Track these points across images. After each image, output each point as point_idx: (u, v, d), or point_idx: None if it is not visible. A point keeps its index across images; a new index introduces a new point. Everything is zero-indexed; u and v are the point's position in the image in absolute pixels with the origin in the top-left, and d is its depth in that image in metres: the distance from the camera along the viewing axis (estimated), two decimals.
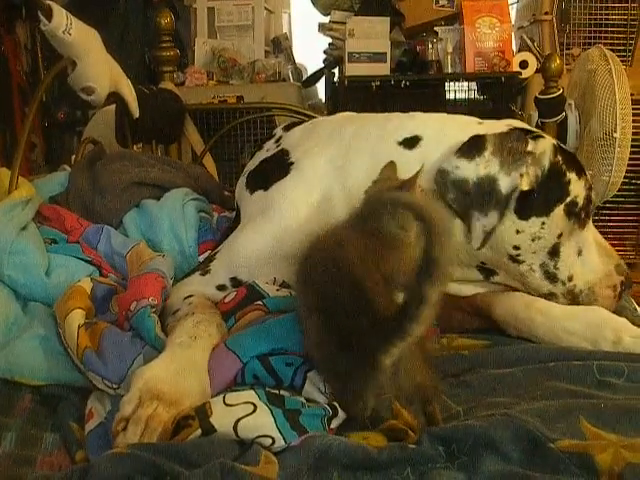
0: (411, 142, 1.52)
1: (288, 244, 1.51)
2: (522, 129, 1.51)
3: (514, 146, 1.42)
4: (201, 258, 1.80)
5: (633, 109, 3.70)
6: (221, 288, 1.58)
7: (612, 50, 3.49)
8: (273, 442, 1.06)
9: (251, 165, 1.80)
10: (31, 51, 4.66)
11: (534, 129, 1.54)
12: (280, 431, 1.07)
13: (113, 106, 2.55)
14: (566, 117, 2.93)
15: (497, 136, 1.44)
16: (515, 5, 4.79)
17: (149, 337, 1.34)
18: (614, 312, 1.50)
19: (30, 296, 1.57)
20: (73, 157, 2.82)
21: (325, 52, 4.41)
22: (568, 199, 1.48)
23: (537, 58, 3.85)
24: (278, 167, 1.64)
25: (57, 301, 1.45)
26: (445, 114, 1.62)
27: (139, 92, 2.50)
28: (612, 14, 4.23)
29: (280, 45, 4.50)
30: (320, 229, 1.22)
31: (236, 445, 1.05)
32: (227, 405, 1.10)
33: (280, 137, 1.80)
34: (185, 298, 1.51)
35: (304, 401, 1.16)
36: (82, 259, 1.68)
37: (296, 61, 4.53)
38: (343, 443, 1.03)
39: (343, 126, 1.66)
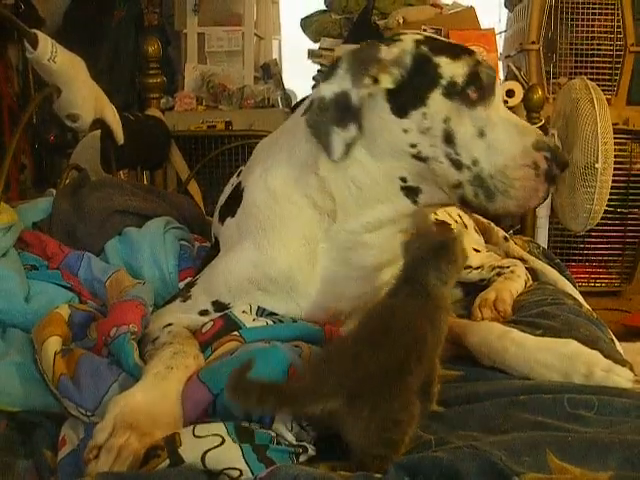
0: (308, 108, 1.55)
1: (265, 265, 1.55)
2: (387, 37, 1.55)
3: (365, 57, 1.45)
4: (181, 285, 1.82)
5: (618, 138, 3.75)
6: (204, 313, 1.59)
7: (598, 80, 3.55)
8: (241, 474, 1.07)
9: (221, 200, 1.83)
10: (22, 73, 4.68)
11: (407, 32, 1.56)
12: (248, 463, 1.07)
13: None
14: None
15: (351, 52, 1.47)
16: (503, 34, 4.84)
17: (127, 364, 1.36)
18: (587, 343, 1.50)
19: (9, 322, 1.58)
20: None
21: (314, 78, 4.45)
22: (443, 82, 1.45)
23: (523, 87, 3.88)
24: (238, 196, 1.67)
25: (35, 327, 1.46)
26: None
27: (124, 119, 2.53)
28: (598, 44, 4.28)
29: (270, 71, 4.54)
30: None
31: (204, 476, 1.06)
32: (196, 437, 1.11)
33: (240, 170, 1.83)
34: (165, 326, 1.52)
35: (274, 435, 1.16)
36: (62, 285, 1.69)
37: (286, 87, 4.56)
38: (310, 474, 1.04)
39: (270, 136, 1.75)
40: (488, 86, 1.47)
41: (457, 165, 1.45)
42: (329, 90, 1.44)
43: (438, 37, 1.55)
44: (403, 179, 1.49)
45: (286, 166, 1.57)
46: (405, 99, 1.45)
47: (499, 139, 1.45)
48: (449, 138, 1.44)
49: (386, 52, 1.45)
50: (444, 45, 1.51)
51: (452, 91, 1.44)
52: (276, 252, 1.55)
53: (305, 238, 1.55)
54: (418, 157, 1.46)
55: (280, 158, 1.59)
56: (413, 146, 1.45)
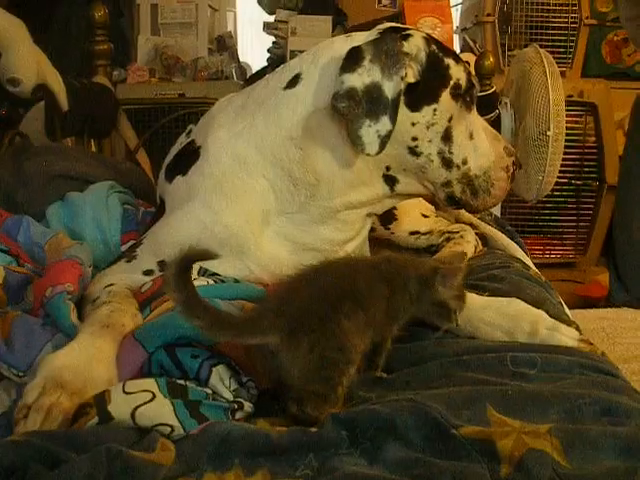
0: (293, 82, 1.55)
1: (216, 227, 1.52)
2: (391, 29, 1.55)
3: (390, 49, 1.45)
4: (124, 248, 1.78)
5: (573, 110, 3.77)
6: (148, 273, 1.55)
7: (553, 52, 3.55)
8: (172, 430, 1.04)
9: (167, 159, 1.79)
10: None
11: (402, 26, 1.59)
12: (179, 419, 1.05)
13: None
14: (500, 115, 2.96)
15: (372, 43, 1.47)
16: (459, 7, 4.84)
17: (63, 324, 1.32)
18: (534, 304, 1.50)
19: None
20: None
21: (269, 51, 4.41)
22: (452, 82, 1.53)
23: None
24: (190, 154, 1.64)
25: None
26: (320, 44, 1.64)
27: (70, 85, 2.47)
28: (553, 17, 4.30)
29: (224, 43, 4.48)
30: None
31: (135, 433, 1.03)
32: (126, 393, 1.08)
33: (190, 130, 1.82)
34: (106, 287, 1.49)
35: (210, 393, 1.14)
36: None
37: (241, 60, 4.51)
38: (243, 429, 1.02)
39: (231, 100, 1.71)
40: (475, 94, 1.61)
41: (447, 164, 1.55)
42: (359, 81, 1.42)
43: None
44: (388, 167, 1.55)
45: (261, 136, 1.55)
46: (420, 94, 1.50)
47: (483, 143, 1.60)
48: (448, 137, 1.54)
49: (407, 47, 1.47)
50: (446, 47, 1.59)
51: (457, 93, 1.54)
52: (231, 217, 1.53)
53: (267, 207, 1.55)
54: (413, 151, 1.53)
55: (255, 126, 1.56)
56: (414, 139, 1.52)
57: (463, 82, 1.55)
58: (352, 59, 1.44)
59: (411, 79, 1.47)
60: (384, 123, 1.43)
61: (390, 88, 1.43)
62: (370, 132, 1.43)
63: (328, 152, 1.51)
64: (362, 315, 1.17)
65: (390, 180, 1.57)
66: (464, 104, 1.56)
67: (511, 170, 1.64)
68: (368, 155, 1.45)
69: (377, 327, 1.23)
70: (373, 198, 1.59)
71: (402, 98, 1.47)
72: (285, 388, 1.14)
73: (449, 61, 1.54)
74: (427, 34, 1.57)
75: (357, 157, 1.50)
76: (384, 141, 1.44)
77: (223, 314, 1.14)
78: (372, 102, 1.42)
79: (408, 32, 1.53)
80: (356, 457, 1.01)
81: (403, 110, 1.48)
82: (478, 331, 1.44)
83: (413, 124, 1.50)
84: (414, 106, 1.50)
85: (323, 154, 1.51)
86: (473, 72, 1.50)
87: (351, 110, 1.42)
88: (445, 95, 1.52)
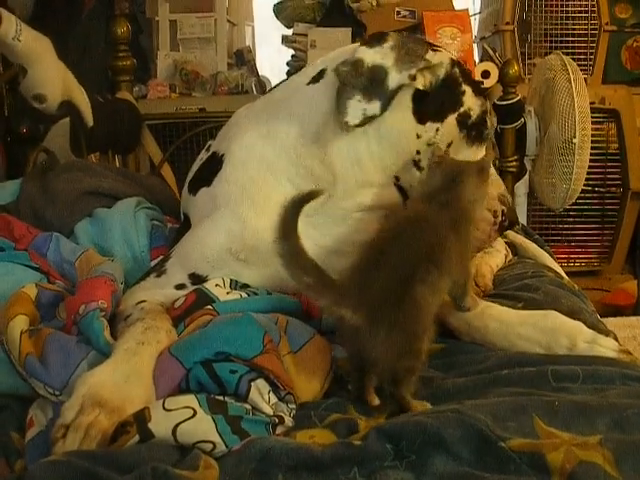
0: (318, 77, 1.55)
1: (245, 232, 1.52)
2: (429, 43, 1.57)
3: (413, 48, 1.46)
4: (153, 264, 1.77)
5: (595, 117, 3.74)
6: (180, 287, 1.54)
7: (573, 60, 3.51)
8: (214, 447, 1.03)
9: (190, 175, 1.79)
10: None
11: (437, 45, 1.61)
12: (221, 436, 1.03)
13: None
14: (525, 123, 2.94)
15: (400, 35, 1.49)
16: (477, 16, 4.81)
17: (97, 341, 1.30)
18: (570, 314, 1.47)
19: None
20: None
21: (288, 64, 4.41)
22: (461, 109, 1.52)
23: (499, 68, 3.85)
24: (213, 164, 1.64)
25: (0, 308, 1.40)
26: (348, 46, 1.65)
27: (94, 101, 2.47)
28: (573, 24, 4.26)
29: (243, 57, 4.48)
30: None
31: (176, 451, 1.02)
32: (166, 410, 1.06)
33: (209, 146, 1.81)
34: (137, 303, 1.47)
35: (249, 408, 1.13)
36: (29, 266, 1.64)
37: (260, 73, 4.51)
38: (286, 444, 1.00)
39: (250, 107, 1.71)
40: (487, 133, 1.59)
41: None
42: (370, 57, 1.43)
43: (466, 65, 1.62)
44: (397, 177, 1.54)
45: (286, 133, 1.54)
46: (428, 108, 1.49)
47: None
48: None
49: (430, 56, 1.48)
50: (471, 76, 1.59)
51: (464, 121, 1.53)
52: (260, 222, 1.51)
53: None
54: (417, 165, 1.51)
55: (278, 124, 1.55)
56: (418, 153, 1.50)
57: (474, 114, 1.54)
58: (376, 39, 1.46)
59: (419, 85, 1.47)
60: (374, 106, 1.43)
61: (394, 80, 1.43)
62: (358, 107, 1.42)
63: (344, 148, 1.50)
64: (435, 271, 1.19)
65: (401, 190, 1.55)
66: (468, 136, 1.55)
67: (499, 218, 1.62)
68: (346, 124, 1.43)
69: (454, 274, 1.27)
70: (385, 203, 1.56)
71: (410, 105, 1.48)
72: (372, 369, 1.18)
73: (467, 88, 1.54)
74: (460, 60, 1.57)
75: (365, 155, 1.50)
76: (365, 121, 1.44)
77: (326, 275, 1.17)
78: (372, 82, 1.42)
79: (440, 49, 1.54)
80: (402, 471, 0.99)
81: (410, 117, 1.49)
82: (514, 347, 1.42)
83: (418, 136, 1.49)
84: (420, 118, 1.49)
85: (339, 150, 1.50)
86: (490, 110, 1.48)
87: (349, 78, 1.42)
88: (451, 119, 1.52)
